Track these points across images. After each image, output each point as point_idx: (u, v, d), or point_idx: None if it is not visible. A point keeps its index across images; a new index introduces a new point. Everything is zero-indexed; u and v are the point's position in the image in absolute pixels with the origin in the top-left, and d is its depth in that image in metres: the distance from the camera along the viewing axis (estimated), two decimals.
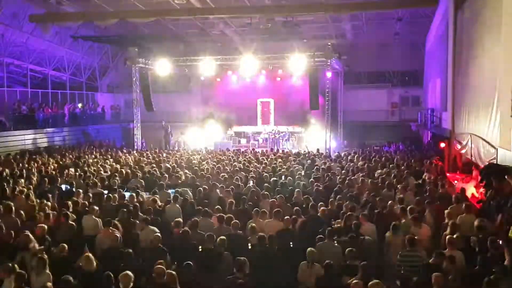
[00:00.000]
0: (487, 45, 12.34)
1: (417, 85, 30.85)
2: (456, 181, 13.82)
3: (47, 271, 6.94)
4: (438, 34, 21.45)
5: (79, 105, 30.98)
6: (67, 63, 30.58)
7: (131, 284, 6.58)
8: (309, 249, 7.65)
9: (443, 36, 19.45)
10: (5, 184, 12.69)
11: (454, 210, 9.50)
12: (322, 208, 10.08)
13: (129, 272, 6.66)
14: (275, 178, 13.94)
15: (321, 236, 8.44)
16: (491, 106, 11.40)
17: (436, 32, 22.57)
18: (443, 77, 19.45)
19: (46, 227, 8.78)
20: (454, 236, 7.96)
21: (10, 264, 6.88)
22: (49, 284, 6.35)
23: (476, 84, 13.56)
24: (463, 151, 14.79)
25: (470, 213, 9.17)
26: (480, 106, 12.75)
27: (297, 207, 9.99)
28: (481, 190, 11.12)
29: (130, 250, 7.74)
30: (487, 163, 11.21)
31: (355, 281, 6.38)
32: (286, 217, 9.23)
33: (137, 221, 9.35)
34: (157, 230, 8.82)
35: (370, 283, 6.13)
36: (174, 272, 6.76)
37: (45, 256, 7.10)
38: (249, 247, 8.44)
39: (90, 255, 7.31)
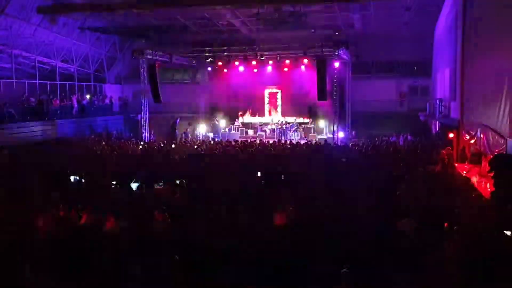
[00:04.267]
0: (497, 35, 12.21)
1: (426, 75, 30.52)
2: (464, 172, 13.74)
3: None
4: (447, 24, 21.22)
5: (87, 96, 31.08)
6: (74, 55, 30.61)
7: None
8: None
9: (452, 26, 19.25)
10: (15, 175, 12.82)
11: (463, 200, 9.48)
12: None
13: None
14: (282, 169, 13.93)
15: None
16: (500, 97, 11.31)
17: (445, 22, 22.33)
18: (452, 67, 19.29)
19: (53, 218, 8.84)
20: None
21: None
22: None
23: (485, 74, 13.44)
24: (472, 142, 14.70)
25: (480, 203, 9.15)
26: (489, 96, 12.65)
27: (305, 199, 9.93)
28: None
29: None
30: (496, 153, 11.14)
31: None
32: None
33: (145, 212, 9.36)
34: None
35: None
36: None
37: None
38: None
39: None
